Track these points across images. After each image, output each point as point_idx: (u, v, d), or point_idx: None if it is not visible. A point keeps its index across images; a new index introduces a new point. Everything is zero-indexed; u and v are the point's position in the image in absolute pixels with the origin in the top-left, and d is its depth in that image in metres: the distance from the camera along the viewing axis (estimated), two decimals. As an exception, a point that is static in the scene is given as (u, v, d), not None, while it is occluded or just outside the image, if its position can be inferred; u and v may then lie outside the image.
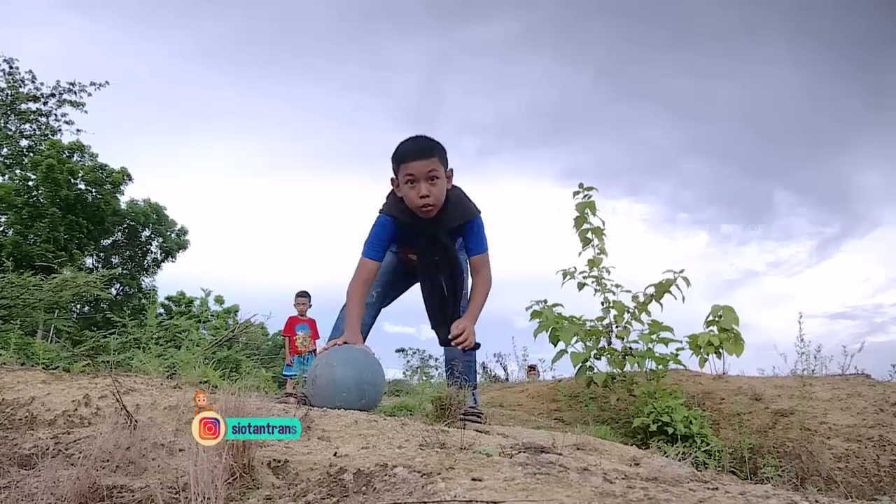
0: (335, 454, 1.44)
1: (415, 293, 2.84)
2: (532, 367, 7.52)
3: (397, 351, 15.29)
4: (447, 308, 2.53)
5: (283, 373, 6.27)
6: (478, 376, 2.67)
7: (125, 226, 14.76)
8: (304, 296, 6.53)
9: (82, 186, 13.54)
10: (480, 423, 2.48)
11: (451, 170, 2.48)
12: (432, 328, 2.60)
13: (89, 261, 14.23)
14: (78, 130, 15.73)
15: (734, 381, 4.29)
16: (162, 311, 13.37)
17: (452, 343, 2.44)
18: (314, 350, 6.26)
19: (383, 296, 2.81)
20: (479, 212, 2.54)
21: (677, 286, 3.65)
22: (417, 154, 2.39)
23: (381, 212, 2.57)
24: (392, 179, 2.50)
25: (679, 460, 1.84)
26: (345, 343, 2.39)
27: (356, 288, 2.52)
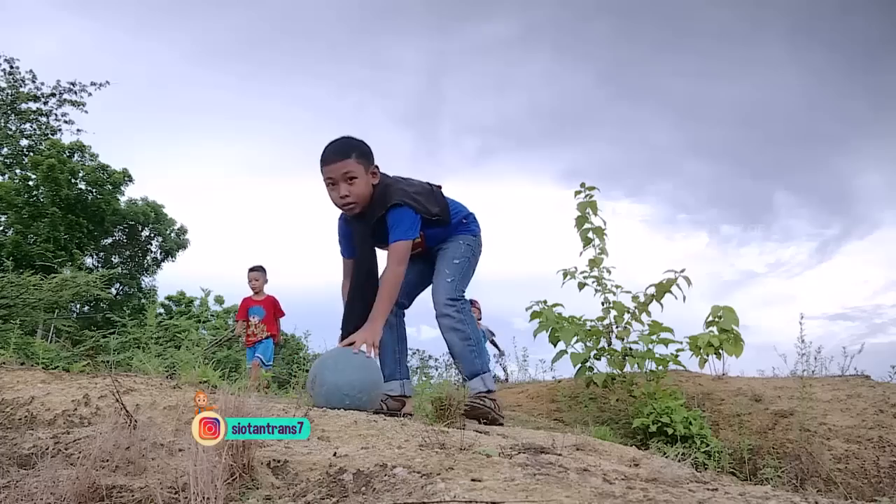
0: (335, 454, 1.44)
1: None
2: (472, 303, 6.97)
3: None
4: (363, 302, 2.56)
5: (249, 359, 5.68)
6: (477, 358, 2.63)
7: (125, 225, 14.76)
8: (255, 270, 5.81)
9: (83, 186, 13.54)
10: (485, 411, 2.47)
11: (376, 166, 2.57)
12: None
13: (89, 260, 14.23)
14: (78, 130, 15.76)
15: (734, 382, 4.29)
16: (162, 310, 13.38)
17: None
18: (271, 335, 5.67)
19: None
20: (398, 203, 2.55)
21: (678, 286, 3.65)
22: (335, 156, 2.50)
23: None
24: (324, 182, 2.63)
25: (679, 461, 1.84)
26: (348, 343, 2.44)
27: (343, 289, 2.72)
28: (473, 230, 2.84)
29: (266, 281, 5.82)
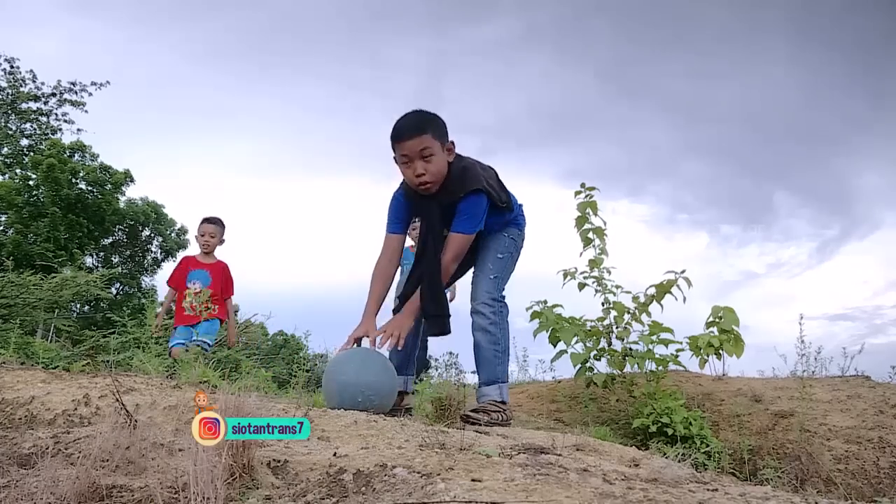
0: (335, 454, 1.44)
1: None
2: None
3: (397, 351, 15.26)
4: (414, 283, 2.45)
5: (170, 343, 4.06)
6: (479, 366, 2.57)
7: (125, 225, 14.77)
8: (213, 223, 4.22)
9: (83, 186, 13.55)
10: (479, 424, 2.43)
11: (452, 142, 2.43)
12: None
13: (89, 260, 14.24)
14: (79, 130, 15.79)
15: (734, 383, 4.29)
16: (160, 309, 13.36)
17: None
18: (217, 317, 4.13)
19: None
20: (478, 189, 2.42)
21: (678, 287, 3.65)
22: (410, 132, 2.36)
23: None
24: (394, 158, 2.48)
25: (679, 461, 1.84)
26: (357, 340, 2.42)
27: (377, 266, 2.55)
28: (520, 223, 2.75)
29: (222, 241, 4.26)
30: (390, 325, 2.40)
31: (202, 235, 4.20)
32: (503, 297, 2.62)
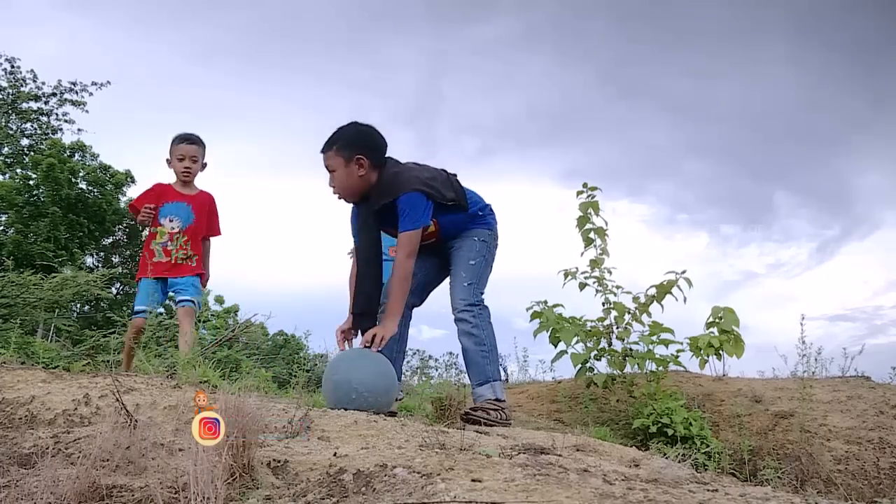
0: (335, 454, 1.44)
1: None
2: None
3: (397, 351, 15.27)
4: (362, 290, 2.54)
5: (135, 306, 3.27)
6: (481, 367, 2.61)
7: (125, 225, 14.77)
8: (193, 142, 3.21)
9: (83, 186, 13.56)
10: (480, 423, 2.42)
11: (360, 158, 2.52)
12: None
13: (90, 260, 14.24)
14: (79, 130, 15.79)
15: (734, 383, 4.29)
16: (162, 310, 13.37)
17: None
18: (199, 272, 3.27)
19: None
20: (409, 190, 2.50)
21: (679, 287, 3.65)
22: (321, 149, 2.59)
23: None
24: None
25: (679, 462, 1.84)
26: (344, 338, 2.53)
27: (352, 273, 2.68)
28: (489, 223, 2.78)
29: (205, 165, 3.29)
30: (372, 330, 2.47)
31: (181, 160, 3.18)
32: (482, 301, 2.66)
